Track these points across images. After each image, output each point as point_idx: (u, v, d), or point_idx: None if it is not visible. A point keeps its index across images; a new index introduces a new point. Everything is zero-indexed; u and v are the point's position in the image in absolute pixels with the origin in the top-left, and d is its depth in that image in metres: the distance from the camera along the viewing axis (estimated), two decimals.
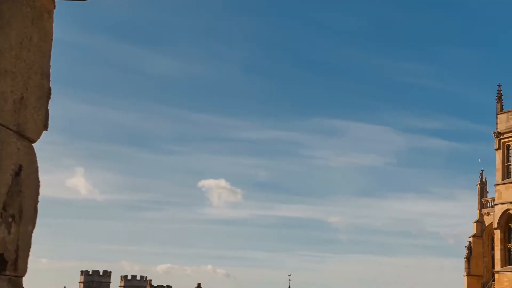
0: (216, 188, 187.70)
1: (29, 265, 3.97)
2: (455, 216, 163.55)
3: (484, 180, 68.91)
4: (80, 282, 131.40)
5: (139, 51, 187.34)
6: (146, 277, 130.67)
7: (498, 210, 53.19)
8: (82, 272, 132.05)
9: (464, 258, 66.80)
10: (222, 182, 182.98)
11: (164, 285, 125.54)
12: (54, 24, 4.37)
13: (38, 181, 4.12)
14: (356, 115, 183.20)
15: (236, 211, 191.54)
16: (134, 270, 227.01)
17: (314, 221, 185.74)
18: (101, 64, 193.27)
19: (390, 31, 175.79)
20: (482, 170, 70.67)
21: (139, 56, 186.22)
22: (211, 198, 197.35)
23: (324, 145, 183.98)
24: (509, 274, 51.61)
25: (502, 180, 53.12)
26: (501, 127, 53.67)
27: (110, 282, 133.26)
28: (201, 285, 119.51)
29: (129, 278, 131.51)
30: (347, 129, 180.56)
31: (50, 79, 4.33)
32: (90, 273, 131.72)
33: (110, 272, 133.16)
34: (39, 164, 4.12)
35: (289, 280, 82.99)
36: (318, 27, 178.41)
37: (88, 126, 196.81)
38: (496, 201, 54.02)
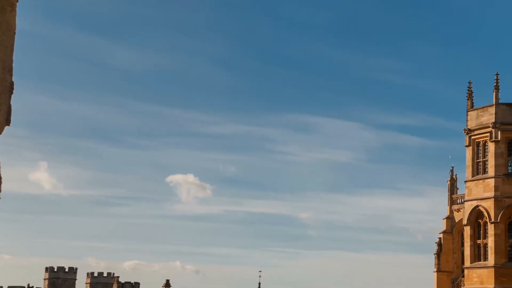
0: (184, 183, 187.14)
1: None
2: (425, 213, 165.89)
3: (454, 176, 69.98)
4: (44, 279, 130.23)
5: (105, 43, 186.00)
6: (113, 273, 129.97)
7: (468, 206, 54.10)
8: (46, 268, 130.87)
9: (434, 254, 67.80)
10: (191, 177, 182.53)
11: (132, 281, 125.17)
12: (16, 17, 4.39)
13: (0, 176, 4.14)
14: (327, 111, 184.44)
15: (206, 206, 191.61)
16: (100, 266, 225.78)
17: (284, 217, 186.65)
18: (65, 57, 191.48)
19: (361, 27, 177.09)
20: (453, 167, 71.80)
21: (105, 48, 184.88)
22: (179, 193, 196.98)
23: (294, 141, 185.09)
24: (478, 270, 52.55)
25: (472, 177, 54.01)
26: (471, 124, 54.54)
27: (76, 279, 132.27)
28: (170, 282, 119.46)
29: (95, 275, 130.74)
30: (317, 125, 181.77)
31: (13, 72, 4.35)
32: (55, 269, 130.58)
33: (76, 268, 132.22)
34: (0, 158, 4.14)
35: (260, 276, 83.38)
36: (289, 22, 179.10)
37: (52, 120, 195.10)
38: (466, 198, 54.93)
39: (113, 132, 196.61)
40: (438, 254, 67.06)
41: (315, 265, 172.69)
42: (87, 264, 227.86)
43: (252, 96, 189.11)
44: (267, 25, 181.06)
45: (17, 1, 4.39)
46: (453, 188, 68.98)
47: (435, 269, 67.81)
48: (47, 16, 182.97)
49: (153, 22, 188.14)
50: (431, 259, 68.38)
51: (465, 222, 54.48)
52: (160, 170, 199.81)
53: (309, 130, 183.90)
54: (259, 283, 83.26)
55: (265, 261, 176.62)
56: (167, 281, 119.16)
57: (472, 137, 54.29)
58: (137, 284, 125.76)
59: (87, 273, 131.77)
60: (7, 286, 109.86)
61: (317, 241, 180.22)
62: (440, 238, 68.05)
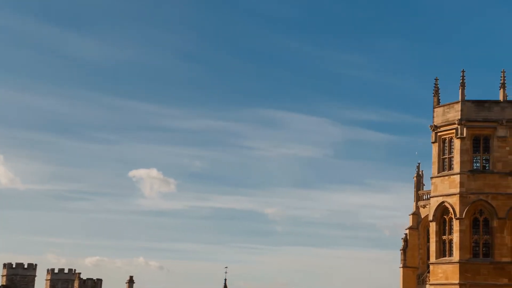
0: (147, 178, 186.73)
1: None
2: (392, 208, 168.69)
3: (420, 172, 71.85)
4: (2, 276, 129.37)
5: (66, 34, 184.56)
6: (75, 270, 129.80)
7: (434, 202, 55.70)
8: (4, 265, 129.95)
9: (400, 250, 69.67)
10: (154, 172, 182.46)
11: (94, 278, 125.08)
12: None
13: None
14: (295, 106, 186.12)
15: (170, 202, 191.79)
16: (61, 263, 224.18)
17: (250, 212, 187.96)
18: (26, 48, 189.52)
19: (330, 22, 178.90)
20: (419, 163, 73.73)
21: (66, 39, 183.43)
22: (142, 188, 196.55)
23: (261, 136, 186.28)
24: (443, 266, 54.17)
25: (438, 173, 55.59)
26: (437, 121, 56.15)
27: (35, 276, 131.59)
28: (133, 278, 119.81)
29: (56, 271, 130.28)
30: (284, 120, 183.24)
31: None
32: (14, 266, 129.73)
33: (36, 265, 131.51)
34: None
35: (226, 272, 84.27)
36: (255, 16, 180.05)
37: (9, 111, 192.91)
38: (432, 194, 56.48)
39: (74, 125, 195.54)
40: (404, 250, 68.90)
41: (282, 261, 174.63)
42: (47, 260, 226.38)
43: (219, 90, 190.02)
44: (236, 19, 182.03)
45: None
46: (419, 184, 70.85)
47: (401, 265, 69.62)
48: (9, 6, 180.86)
49: (119, 14, 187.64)
50: (397, 255, 70.30)
51: (430, 218, 56.04)
52: (123, 165, 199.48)
53: (277, 125, 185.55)
54: (225, 279, 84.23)
55: (231, 257, 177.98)
56: (131, 277, 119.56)
57: (438, 134, 55.88)
58: (100, 280, 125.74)
59: (47, 270, 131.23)
60: None
61: (284, 236, 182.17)
62: (406, 234, 69.87)
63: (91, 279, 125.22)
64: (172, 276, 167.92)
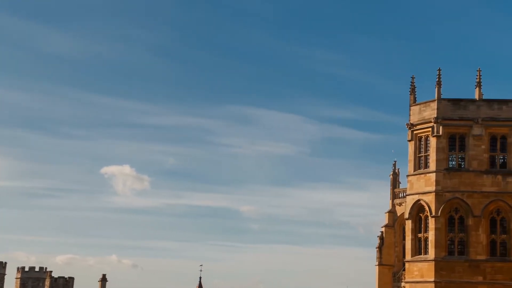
0: (120, 175, 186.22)
1: None
2: (368, 206, 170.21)
3: (396, 170, 72.76)
4: None
5: (38, 28, 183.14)
6: (46, 268, 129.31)
7: (410, 200, 56.61)
8: None
9: (376, 248, 70.52)
10: (127, 169, 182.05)
11: (66, 276, 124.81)
12: None
13: None
14: (270, 104, 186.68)
15: (143, 199, 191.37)
16: (31, 261, 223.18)
17: (225, 210, 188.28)
18: None
19: (305, 19, 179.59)
20: (395, 161, 74.60)
21: (39, 34, 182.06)
22: (115, 185, 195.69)
23: (237, 133, 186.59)
24: (419, 264, 55.09)
25: (414, 171, 56.50)
26: (413, 119, 57.07)
27: (5, 274, 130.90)
28: (106, 277, 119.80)
29: (26, 269, 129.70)
30: (260, 117, 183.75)
31: None
32: None
33: (5, 263, 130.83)
34: None
35: (201, 270, 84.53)
36: (230, 13, 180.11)
37: None
38: (408, 192, 57.37)
39: (46, 121, 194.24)
40: (380, 248, 69.79)
41: (257, 258, 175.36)
42: (16, 258, 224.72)
43: (194, 87, 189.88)
44: (211, 15, 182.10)
45: None
46: (395, 182, 71.76)
47: (377, 263, 70.48)
48: None
49: (91, 8, 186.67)
50: (373, 253, 71.18)
51: (406, 216, 56.92)
52: (95, 161, 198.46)
53: (252, 122, 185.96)
54: (200, 277, 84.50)
55: (206, 254, 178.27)
56: (104, 275, 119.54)
57: (415, 132, 56.82)
58: (72, 279, 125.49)
59: (18, 268, 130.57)
60: None
61: (259, 234, 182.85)
62: (382, 232, 70.75)
63: (63, 277, 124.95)
64: (146, 274, 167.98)
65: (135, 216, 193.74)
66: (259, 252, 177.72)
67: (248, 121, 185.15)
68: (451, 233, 54.56)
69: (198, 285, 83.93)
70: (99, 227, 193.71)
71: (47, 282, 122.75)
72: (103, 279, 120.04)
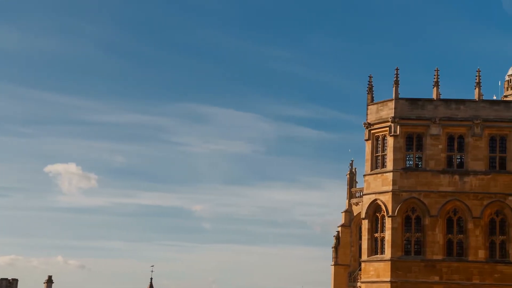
0: (65, 173, 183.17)
1: None
2: (323, 206, 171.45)
3: (353, 170, 74.06)
4: None
5: None
6: None
7: (366, 200, 57.56)
8: None
9: (332, 248, 71.75)
10: (73, 167, 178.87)
11: (9, 278, 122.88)
12: None
13: None
14: (224, 101, 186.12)
15: (91, 198, 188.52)
16: None
17: (177, 209, 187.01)
18: None
19: (260, 15, 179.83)
20: (352, 160, 75.93)
21: None
22: (60, 184, 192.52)
23: (190, 131, 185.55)
24: (375, 264, 56.04)
25: (371, 171, 57.40)
26: (371, 118, 58.01)
27: None
28: (52, 278, 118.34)
29: None
30: (213, 115, 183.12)
31: None
32: None
33: None
34: None
35: (152, 271, 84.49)
36: (183, 8, 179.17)
37: None
38: (365, 191, 58.29)
39: None
40: (336, 248, 70.99)
41: (210, 258, 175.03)
42: None
43: (145, 84, 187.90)
44: (163, 10, 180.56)
45: None
46: (352, 182, 73.05)
47: (333, 263, 71.69)
48: None
49: (36, 1, 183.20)
50: (329, 252, 72.36)
51: (363, 215, 57.78)
52: (39, 160, 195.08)
53: (205, 120, 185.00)
54: (151, 278, 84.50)
55: (157, 255, 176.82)
56: (49, 277, 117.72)
57: (372, 131, 57.74)
58: (15, 280, 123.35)
59: None
60: None
61: (212, 234, 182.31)
62: (338, 231, 71.98)
63: (6, 279, 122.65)
64: (94, 275, 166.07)
65: (82, 216, 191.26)
66: (212, 252, 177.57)
67: (202, 119, 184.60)
68: (407, 233, 55.58)
69: (149, 286, 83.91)
70: (43, 227, 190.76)
71: None
72: (49, 281, 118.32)
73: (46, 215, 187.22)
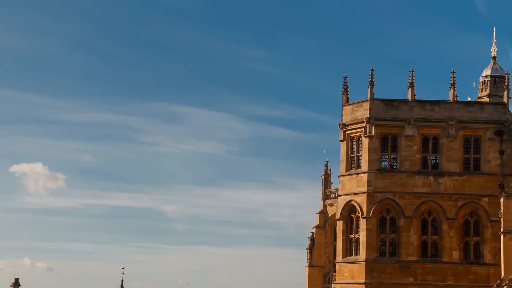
0: (32, 173, 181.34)
1: None
2: (298, 207, 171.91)
3: (328, 171, 74.65)
4: None
5: None
6: None
7: (341, 201, 58.13)
8: None
9: (307, 249, 72.29)
10: (39, 167, 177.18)
11: None
12: None
13: None
14: (197, 101, 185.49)
15: (59, 199, 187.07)
16: None
17: (148, 210, 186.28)
18: None
19: (234, 15, 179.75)
20: (327, 161, 76.52)
21: None
22: (26, 184, 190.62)
23: (161, 131, 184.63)
24: (349, 265, 56.63)
25: (346, 172, 57.95)
26: (346, 119, 58.58)
27: None
28: (19, 281, 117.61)
29: None
30: (186, 115, 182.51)
31: None
32: None
33: None
34: None
35: (123, 273, 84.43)
36: (156, 7, 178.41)
37: None
38: (340, 192, 58.82)
39: None
40: (311, 249, 71.51)
41: (182, 260, 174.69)
42: None
43: (115, 83, 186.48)
44: (132, 7, 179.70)
45: None
46: (327, 183, 73.61)
47: (307, 264, 72.18)
48: None
49: None
50: (304, 254, 72.87)
51: (338, 216, 58.30)
52: (4, 159, 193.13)
53: (177, 120, 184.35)
54: (122, 280, 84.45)
55: (128, 257, 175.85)
56: (16, 280, 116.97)
57: (347, 132, 58.31)
58: None
59: None
60: None
61: (185, 235, 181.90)
62: (313, 232, 72.51)
63: None
64: (62, 278, 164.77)
65: (50, 217, 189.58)
66: (184, 254, 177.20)
67: (173, 119, 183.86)
68: (382, 234, 56.25)
69: None
70: (10, 229, 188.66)
71: None
72: (16, 284, 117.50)
73: (12, 217, 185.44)
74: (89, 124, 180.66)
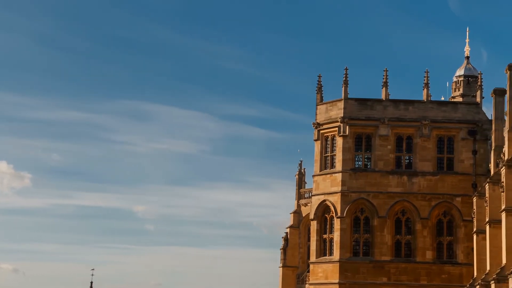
0: None
1: None
2: (272, 207, 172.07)
3: (302, 170, 75.07)
4: None
5: None
6: None
7: (315, 201, 58.53)
8: None
9: (280, 249, 72.68)
10: (3, 166, 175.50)
11: None
12: None
13: None
14: (169, 99, 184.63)
15: (24, 199, 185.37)
16: None
17: (118, 210, 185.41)
18: None
19: (206, 12, 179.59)
20: (301, 161, 76.96)
21: None
22: None
23: (132, 130, 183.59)
24: (323, 265, 57.06)
25: (320, 171, 58.31)
26: (320, 118, 58.99)
27: None
28: None
29: None
30: (157, 113, 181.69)
31: None
32: None
33: None
34: None
35: (92, 275, 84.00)
36: (129, 3, 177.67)
37: None
38: (314, 192, 59.19)
39: None
40: (284, 249, 71.89)
41: (154, 261, 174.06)
42: None
43: (83, 80, 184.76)
44: (103, 4, 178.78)
45: None
46: (301, 182, 74.03)
47: (281, 264, 72.57)
48: None
49: None
50: (277, 254, 73.27)
51: (311, 216, 58.67)
52: None
53: (148, 118, 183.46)
54: (91, 282, 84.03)
55: (97, 258, 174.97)
56: None
57: (321, 131, 58.71)
58: None
59: None
60: None
61: (156, 236, 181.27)
62: (286, 232, 72.89)
63: None
64: (28, 279, 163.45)
65: (15, 217, 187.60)
66: (156, 254, 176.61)
67: (145, 117, 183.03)
68: (356, 234, 56.73)
69: None
70: None
71: None
72: None
73: None
74: (57, 122, 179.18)
